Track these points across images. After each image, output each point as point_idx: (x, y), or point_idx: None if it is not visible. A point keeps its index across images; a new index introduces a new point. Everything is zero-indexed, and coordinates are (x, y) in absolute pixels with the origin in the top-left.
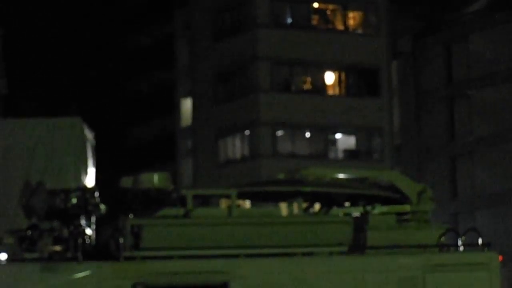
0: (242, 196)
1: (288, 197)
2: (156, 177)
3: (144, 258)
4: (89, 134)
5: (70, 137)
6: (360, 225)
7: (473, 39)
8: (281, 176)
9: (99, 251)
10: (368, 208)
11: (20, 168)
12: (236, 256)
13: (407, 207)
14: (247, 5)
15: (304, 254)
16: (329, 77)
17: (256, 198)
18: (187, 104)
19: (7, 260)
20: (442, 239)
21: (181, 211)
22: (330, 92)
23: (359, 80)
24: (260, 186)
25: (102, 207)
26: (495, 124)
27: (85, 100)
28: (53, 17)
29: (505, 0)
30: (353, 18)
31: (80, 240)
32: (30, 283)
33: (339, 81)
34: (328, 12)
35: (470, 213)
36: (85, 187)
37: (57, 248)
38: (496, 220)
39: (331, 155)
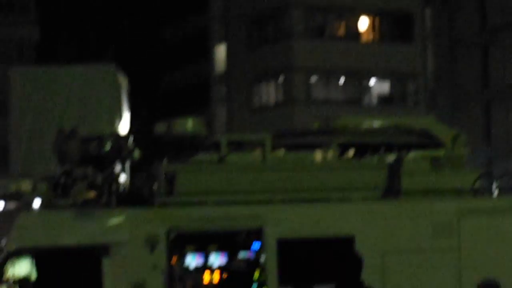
0: (277, 145)
1: (322, 146)
2: (190, 123)
3: (178, 204)
4: (123, 81)
5: (104, 84)
6: (394, 170)
7: None
8: (315, 125)
9: (133, 197)
10: (403, 153)
11: (54, 115)
12: (271, 201)
13: (441, 152)
14: None
15: (338, 199)
16: (363, 23)
17: (290, 147)
18: (221, 50)
19: (40, 206)
20: (477, 184)
21: (215, 156)
22: (364, 37)
23: (393, 26)
24: (294, 136)
25: (136, 153)
26: None
27: (119, 46)
28: None
29: None
30: None
31: (114, 186)
32: (63, 229)
33: (373, 26)
34: None
35: (504, 159)
36: (119, 133)
37: (91, 194)
38: None
39: (365, 101)
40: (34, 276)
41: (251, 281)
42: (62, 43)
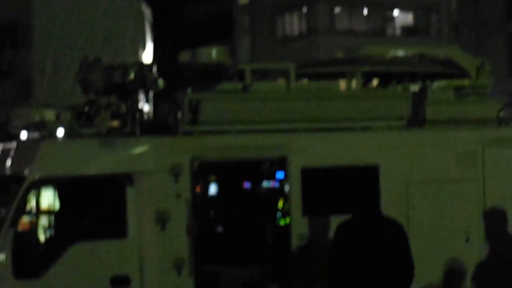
0: (300, 75)
1: (347, 75)
2: (214, 51)
3: (202, 132)
4: (146, 11)
5: (128, 13)
6: (419, 99)
7: None
8: (339, 55)
9: (157, 126)
10: (427, 83)
11: (78, 44)
12: (295, 130)
13: (466, 82)
14: None
15: (362, 128)
16: None
17: (314, 77)
18: None
19: (64, 136)
20: (501, 113)
21: (239, 85)
22: None
23: None
24: (318, 66)
25: (160, 82)
26: None
27: None
28: None
29: None
30: None
31: (137, 115)
32: (87, 159)
33: None
34: None
35: None
36: (143, 63)
37: (115, 123)
38: None
39: (389, 32)
40: (57, 206)
41: (274, 211)
42: None
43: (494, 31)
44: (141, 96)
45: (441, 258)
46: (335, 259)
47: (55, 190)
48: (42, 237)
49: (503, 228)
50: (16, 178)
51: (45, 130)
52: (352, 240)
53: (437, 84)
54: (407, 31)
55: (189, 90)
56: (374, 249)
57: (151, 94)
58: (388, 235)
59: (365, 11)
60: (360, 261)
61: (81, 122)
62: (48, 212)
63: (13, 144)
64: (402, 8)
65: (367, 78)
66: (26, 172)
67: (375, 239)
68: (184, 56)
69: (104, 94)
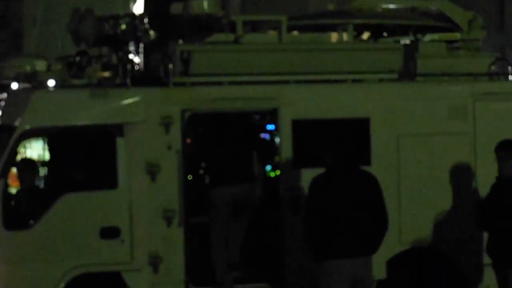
0: (291, 28)
1: (338, 27)
2: (206, 3)
3: (194, 84)
4: None
5: None
6: (410, 52)
7: None
8: (330, 7)
9: (148, 77)
10: (418, 36)
11: None
12: (286, 82)
13: (457, 35)
14: None
15: (354, 81)
16: None
17: (305, 30)
18: None
19: (55, 86)
20: (492, 67)
21: (230, 37)
22: None
23: None
24: (309, 18)
25: (152, 33)
26: None
27: None
28: None
29: None
30: None
31: (129, 66)
32: (78, 109)
33: None
34: None
35: None
36: (134, 14)
37: (106, 74)
38: None
39: None
40: (47, 157)
41: (265, 163)
42: None
43: None
44: (132, 47)
45: (431, 211)
46: (312, 208)
47: (45, 141)
48: (32, 188)
49: None
50: (6, 129)
51: (36, 80)
52: (328, 190)
53: (428, 37)
54: None
55: (180, 41)
56: (350, 198)
57: (142, 45)
58: (363, 186)
59: None
60: (337, 210)
61: (72, 72)
62: (38, 163)
63: (3, 95)
64: None
65: (359, 31)
66: (17, 122)
67: (351, 189)
68: (176, 8)
69: (95, 45)
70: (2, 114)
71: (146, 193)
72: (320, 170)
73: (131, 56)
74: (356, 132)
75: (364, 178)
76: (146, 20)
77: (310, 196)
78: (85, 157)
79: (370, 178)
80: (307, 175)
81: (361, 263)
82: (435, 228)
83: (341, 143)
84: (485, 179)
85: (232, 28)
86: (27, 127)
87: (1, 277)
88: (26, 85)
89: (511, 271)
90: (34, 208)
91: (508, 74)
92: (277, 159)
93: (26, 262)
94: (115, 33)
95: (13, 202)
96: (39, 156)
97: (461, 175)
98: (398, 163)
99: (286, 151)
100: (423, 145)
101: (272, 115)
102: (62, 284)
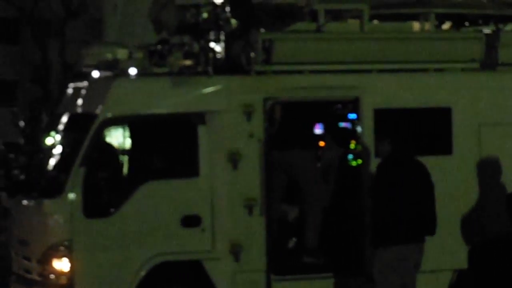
0: (373, 17)
1: (419, 17)
2: None
3: (275, 72)
4: None
5: None
6: (492, 42)
7: None
8: None
9: (230, 66)
10: (500, 26)
11: None
12: (369, 71)
13: None
14: None
15: (436, 70)
16: None
17: (387, 19)
18: None
19: (136, 74)
20: None
21: (312, 25)
22: None
23: None
24: (390, 8)
25: (233, 21)
26: None
27: None
28: None
29: None
30: None
31: (210, 55)
32: (159, 97)
33: None
34: None
35: None
36: (216, 2)
37: (187, 62)
38: None
39: None
40: (128, 145)
41: (346, 152)
42: None
43: None
44: (214, 36)
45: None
46: (381, 193)
47: (126, 129)
48: (112, 176)
49: None
50: (88, 117)
51: (117, 68)
52: (393, 178)
53: (510, 27)
54: None
55: (262, 30)
56: (409, 185)
57: (223, 33)
58: (420, 175)
59: None
60: (400, 197)
61: (153, 61)
62: (119, 151)
63: (84, 83)
64: None
65: (440, 20)
66: (98, 110)
67: (411, 179)
68: None
69: (176, 33)
70: (83, 103)
71: (227, 182)
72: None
73: (212, 44)
74: (437, 121)
75: (420, 169)
76: (227, 9)
77: (375, 184)
78: (166, 145)
79: (424, 169)
80: None
81: (421, 248)
82: None
83: (424, 132)
84: None
85: (314, 16)
86: (109, 115)
87: (82, 265)
88: (107, 73)
89: None
90: (115, 197)
91: None
92: (358, 148)
93: (106, 250)
94: (197, 21)
95: (93, 191)
96: (119, 144)
97: None
98: (479, 151)
99: (368, 140)
100: (504, 134)
101: (354, 104)
102: (143, 272)
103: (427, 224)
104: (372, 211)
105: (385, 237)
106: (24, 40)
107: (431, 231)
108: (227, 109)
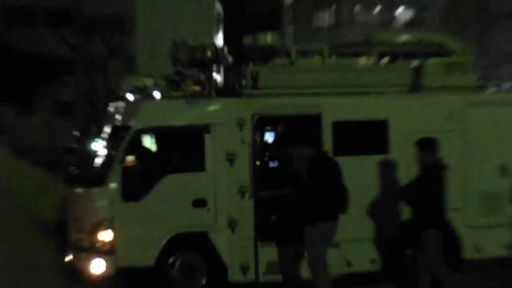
0: (331, 54)
1: (365, 54)
2: (269, 36)
3: (261, 95)
4: (219, 9)
5: (207, 13)
6: (418, 72)
7: None
8: (360, 38)
9: (227, 90)
10: (424, 60)
11: (169, 30)
12: (328, 94)
13: (453, 59)
14: None
15: (377, 93)
16: None
17: (342, 55)
18: None
19: (160, 97)
20: (478, 82)
21: (287, 61)
22: None
23: None
24: (345, 47)
25: (229, 58)
26: None
27: None
28: None
29: None
30: None
31: (213, 82)
32: (176, 114)
33: None
34: None
35: (496, 67)
36: (216, 44)
37: (196, 88)
38: None
39: (394, 24)
40: (153, 148)
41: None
42: None
43: (470, 24)
44: (215, 68)
45: None
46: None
47: (152, 137)
48: (142, 171)
49: None
50: (125, 128)
51: (145, 93)
52: (319, 172)
53: (432, 60)
54: (408, 23)
55: (251, 64)
56: (331, 177)
57: (222, 67)
58: (336, 170)
59: (377, 9)
60: (328, 186)
61: (172, 87)
62: (147, 152)
63: (122, 103)
64: (405, 6)
65: (380, 56)
66: (131, 123)
67: (330, 172)
68: (247, 40)
69: (188, 67)
70: (121, 118)
71: (226, 174)
72: (353, 158)
73: (214, 75)
74: (378, 130)
75: (335, 165)
76: (225, 49)
77: (316, 171)
78: (181, 148)
79: (338, 165)
80: (345, 162)
81: (337, 224)
82: None
83: (368, 138)
84: None
85: (288, 54)
86: (139, 126)
87: (120, 236)
88: (138, 96)
89: None
90: (144, 186)
91: (489, 88)
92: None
93: (137, 225)
94: (203, 58)
95: (128, 182)
96: (148, 147)
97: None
98: (409, 150)
99: (327, 144)
100: None
101: (317, 118)
102: (164, 241)
103: (342, 205)
104: (305, 198)
105: (314, 216)
106: (78, 72)
107: (344, 211)
108: (225, 122)
